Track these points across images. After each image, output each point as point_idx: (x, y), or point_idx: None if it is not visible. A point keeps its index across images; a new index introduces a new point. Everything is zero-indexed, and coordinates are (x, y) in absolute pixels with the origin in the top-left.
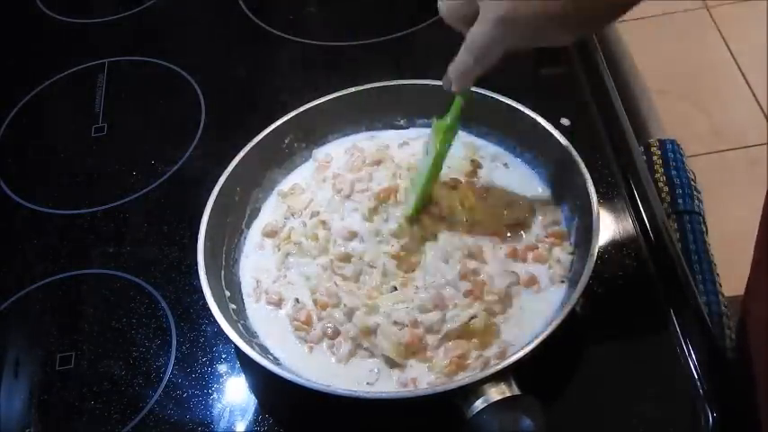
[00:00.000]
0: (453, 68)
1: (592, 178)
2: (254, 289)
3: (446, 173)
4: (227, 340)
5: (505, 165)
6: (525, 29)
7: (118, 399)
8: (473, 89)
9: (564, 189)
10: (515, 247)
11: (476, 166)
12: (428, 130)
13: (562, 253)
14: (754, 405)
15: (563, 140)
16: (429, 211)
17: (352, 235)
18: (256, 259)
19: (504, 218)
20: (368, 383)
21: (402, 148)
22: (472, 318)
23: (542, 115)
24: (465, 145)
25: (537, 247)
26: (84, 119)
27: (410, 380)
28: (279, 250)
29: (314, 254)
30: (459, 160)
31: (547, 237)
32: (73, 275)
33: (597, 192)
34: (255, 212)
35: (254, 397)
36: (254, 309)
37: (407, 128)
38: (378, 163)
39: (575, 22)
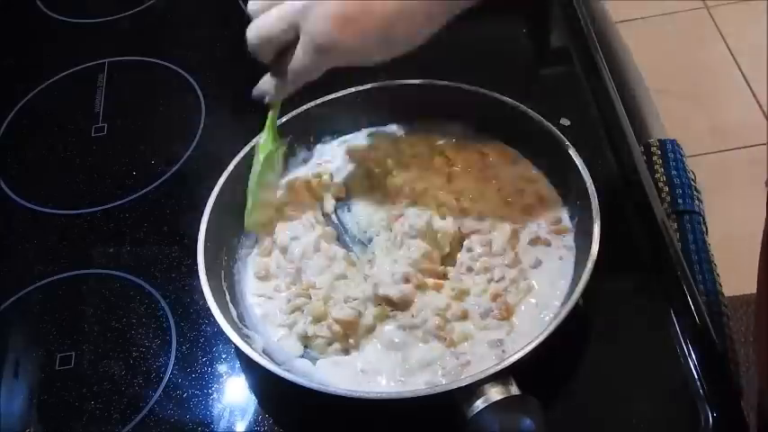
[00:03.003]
0: (267, 85)
1: (592, 178)
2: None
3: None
4: (227, 340)
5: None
6: (343, 56)
7: (118, 399)
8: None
9: (564, 189)
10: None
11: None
12: None
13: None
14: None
15: (563, 141)
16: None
17: None
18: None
19: (513, 203)
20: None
21: None
22: None
23: (542, 115)
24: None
25: (540, 238)
26: (84, 119)
27: None
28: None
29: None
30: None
31: (549, 233)
32: (73, 275)
33: (597, 192)
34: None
35: (254, 397)
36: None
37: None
38: None
39: (386, 50)
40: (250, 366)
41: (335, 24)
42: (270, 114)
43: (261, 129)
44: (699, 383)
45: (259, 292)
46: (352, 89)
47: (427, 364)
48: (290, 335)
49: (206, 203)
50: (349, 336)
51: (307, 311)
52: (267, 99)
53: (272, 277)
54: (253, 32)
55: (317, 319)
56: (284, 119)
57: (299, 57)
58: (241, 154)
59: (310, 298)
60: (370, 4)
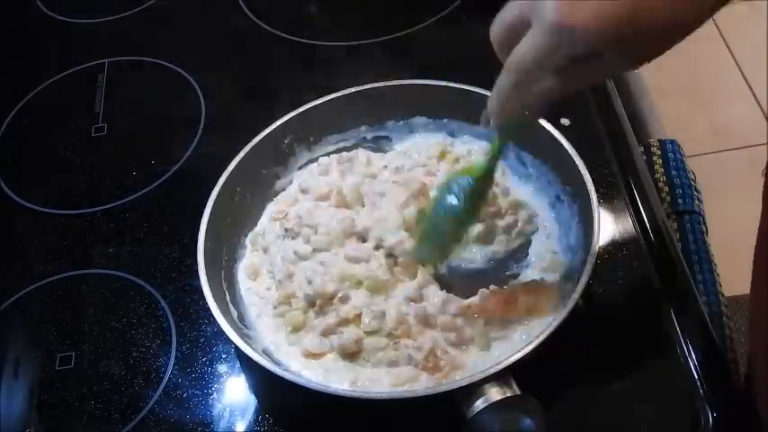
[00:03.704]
0: (491, 97)
1: (592, 178)
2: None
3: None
4: (227, 340)
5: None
6: (578, 43)
7: (118, 399)
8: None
9: (564, 189)
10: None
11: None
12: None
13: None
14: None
15: (563, 140)
16: None
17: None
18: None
19: None
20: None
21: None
22: None
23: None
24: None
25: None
26: (84, 119)
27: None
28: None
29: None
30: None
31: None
32: (73, 275)
33: (597, 192)
34: (255, 212)
35: (254, 397)
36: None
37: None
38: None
39: (632, 43)
40: (250, 366)
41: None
42: (493, 141)
43: (261, 127)
44: (699, 383)
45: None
46: (353, 89)
47: None
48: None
49: (206, 203)
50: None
51: (287, 320)
52: (490, 124)
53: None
54: (491, 28)
55: (296, 329)
56: (284, 119)
57: (522, 45)
58: (241, 154)
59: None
60: None
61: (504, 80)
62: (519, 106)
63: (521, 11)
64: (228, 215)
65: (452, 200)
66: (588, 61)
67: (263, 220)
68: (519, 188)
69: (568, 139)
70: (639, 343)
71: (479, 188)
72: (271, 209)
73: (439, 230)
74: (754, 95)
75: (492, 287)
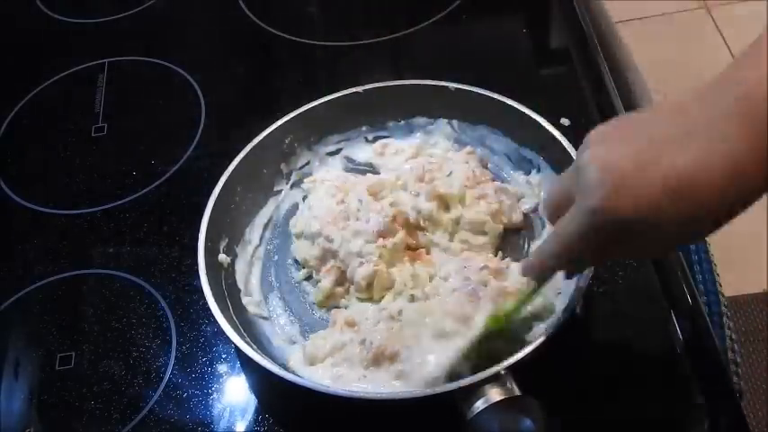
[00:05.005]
0: (534, 253)
1: None
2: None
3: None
4: (227, 340)
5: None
6: (614, 227)
7: (118, 399)
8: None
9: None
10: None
11: (485, 164)
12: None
13: None
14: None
15: (563, 140)
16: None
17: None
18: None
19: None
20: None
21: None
22: None
23: (542, 115)
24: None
25: None
26: (84, 119)
27: None
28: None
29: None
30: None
31: None
32: (73, 275)
33: None
34: (256, 212)
35: (254, 397)
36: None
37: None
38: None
39: (674, 229)
40: (250, 366)
41: (611, 182)
42: (532, 285)
43: (261, 127)
44: (699, 383)
45: None
46: (352, 89)
47: None
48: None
49: (206, 203)
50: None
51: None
52: (531, 274)
53: None
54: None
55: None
56: (284, 119)
57: (568, 218)
58: (241, 154)
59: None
60: (652, 156)
61: (549, 246)
62: (551, 268)
63: (565, 184)
64: (228, 215)
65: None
66: (632, 240)
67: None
68: (520, 187)
69: (568, 139)
70: (639, 343)
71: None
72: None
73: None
74: None
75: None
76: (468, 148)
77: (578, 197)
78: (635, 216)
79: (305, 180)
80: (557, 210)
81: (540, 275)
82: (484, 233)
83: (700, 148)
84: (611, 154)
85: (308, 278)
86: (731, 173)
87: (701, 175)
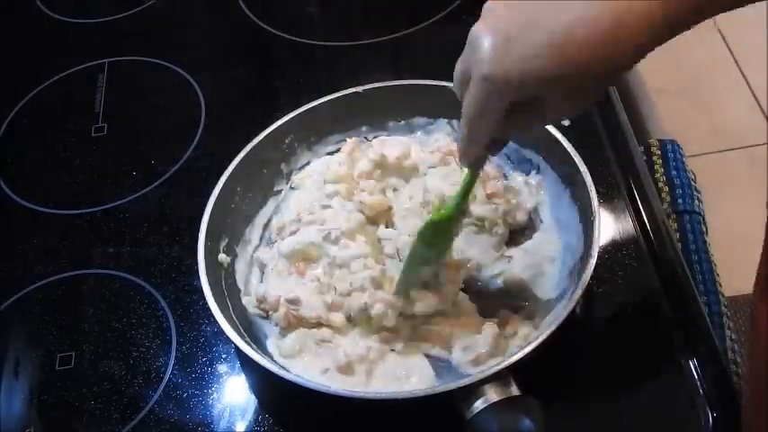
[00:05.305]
0: (457, 142)
1: (592, 178)
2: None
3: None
4: (228, 340)
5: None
6: (507, 90)
7: (118, 399)
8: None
9: (564, 189)
10: None
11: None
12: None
13: None
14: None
15: (563, 140)
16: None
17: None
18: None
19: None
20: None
21: None
22: None
23: None
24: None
25: None
26: (84, 119)
27: None
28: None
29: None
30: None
31: None
32: (73, 275)
33: (597, 192)
34: (256, 212)
35: (254, 397)
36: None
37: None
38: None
39: (566, 86)
40: (250, 366)
41: (497, 47)
42: (466, 176)
43: (261, 127)
44: (699, 383)
45: None
46: (352, 89)
47: None
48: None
49: (206, 203)
50: None
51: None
52: (460, 160)
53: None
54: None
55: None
56: (284, 119)
57: (470, 93)
58: (241, 154)
59: None
60: (536, 17)
61: (462, 127)
62: (477, 151)
63: (463, 65)
64: (228, 215)
65: (425, 251)
66: (529, 107)
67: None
68: (519, 187)
69: (568, 139)
70: (639, 343)
71: (451, 228)
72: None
73: (412, 278)
74: (754, 95)
75: None
76: None
77: (473, 69)
78: (522, 77)
79: (294, 177)
80: (462, 88)
81: (469, 161)
82: (489, 233)
83: (583, 6)
84: (498, 21)
85: None
86: (615, 28)
87: (584, 33)
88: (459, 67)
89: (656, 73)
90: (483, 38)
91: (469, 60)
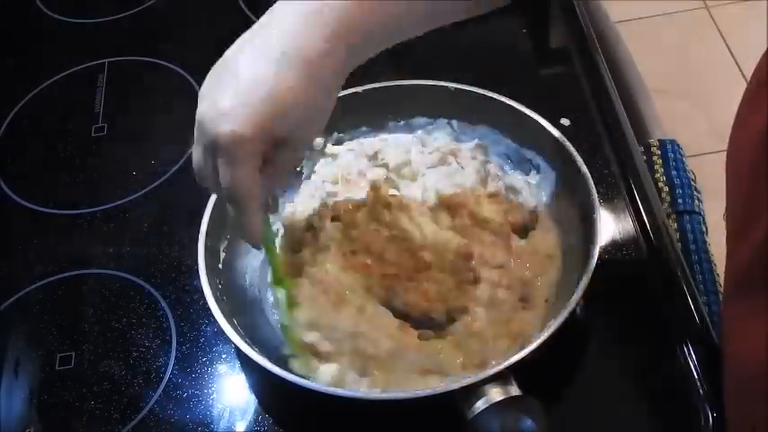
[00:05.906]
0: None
1: (592, 178)
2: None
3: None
4: (227, 340)
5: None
6: (213, 148)
7: (118, 399)
8: None
9: (564, 189)
10: None
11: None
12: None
13: None
14: None
15: (563, 140)
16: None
17: None
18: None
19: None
20: None
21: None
22: None
23: (542, 115)
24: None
25: None
26: (84, 119)
27: None
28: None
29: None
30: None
31: None
32: (73, 275)
33: (597, 192)
34: None
35: (254, 397)
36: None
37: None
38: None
39: (279, 130)
40: (250, 366)
41: (210, 119)
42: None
43: None
44: (699, 383)
45: None
46: (352, 89)
47: None
48: None
49: (206, 203)
50: None
51: None
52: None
53: None
54: None
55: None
56: None
57: (222, 170)
58: None
59: None
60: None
61: (230, 214)
62: (256, 220)
63: (199, 155)
64: (228, 215)
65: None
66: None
67: None
68: (519, 187)
69: (568, 139)
70: (639, 343)
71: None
72: None
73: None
74: None
75: None
76: (477, 141)
77: (209, 151)
78: (254, 129)
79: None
80: (212, 177)
81: (255, 237)
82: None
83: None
84: (211, 100)
85: None
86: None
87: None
88: (197, 158)
89: (656, 73)
90: (201, 116)
91: (202, 145)
